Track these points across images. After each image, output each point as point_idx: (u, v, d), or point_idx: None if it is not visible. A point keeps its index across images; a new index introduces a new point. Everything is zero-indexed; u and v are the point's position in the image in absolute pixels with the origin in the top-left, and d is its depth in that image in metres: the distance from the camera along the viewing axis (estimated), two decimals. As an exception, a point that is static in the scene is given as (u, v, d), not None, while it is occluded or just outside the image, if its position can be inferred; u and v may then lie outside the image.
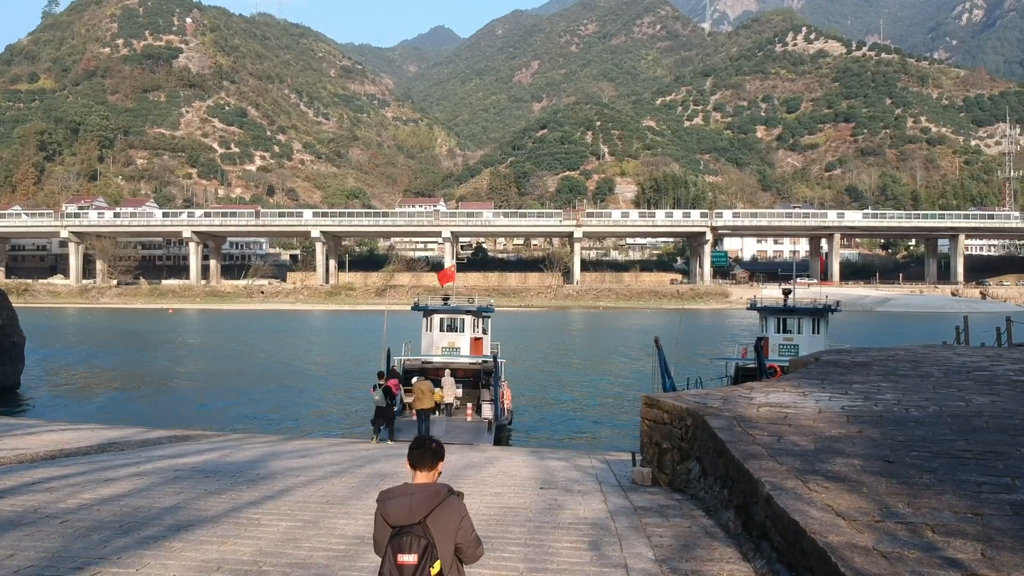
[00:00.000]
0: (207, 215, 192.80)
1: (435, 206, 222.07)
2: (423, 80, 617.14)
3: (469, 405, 27.18)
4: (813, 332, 32.50)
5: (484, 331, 34.14)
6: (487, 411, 26.63)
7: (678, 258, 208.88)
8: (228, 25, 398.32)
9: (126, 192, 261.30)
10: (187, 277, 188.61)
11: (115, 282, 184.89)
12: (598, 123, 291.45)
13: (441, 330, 33.53)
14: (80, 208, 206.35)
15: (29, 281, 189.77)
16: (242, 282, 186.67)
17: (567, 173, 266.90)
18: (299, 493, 11.32)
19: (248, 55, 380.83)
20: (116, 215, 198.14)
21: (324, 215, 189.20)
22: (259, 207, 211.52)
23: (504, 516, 10.06)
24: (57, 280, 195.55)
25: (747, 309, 35.31)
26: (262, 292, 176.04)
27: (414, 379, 30.73)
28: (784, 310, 32.91)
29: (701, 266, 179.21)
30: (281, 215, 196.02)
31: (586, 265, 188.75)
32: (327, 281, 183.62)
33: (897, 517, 7.12)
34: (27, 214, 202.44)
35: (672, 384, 25.34)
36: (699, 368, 40.93)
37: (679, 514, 10.23)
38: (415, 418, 25.59)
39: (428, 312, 33.83)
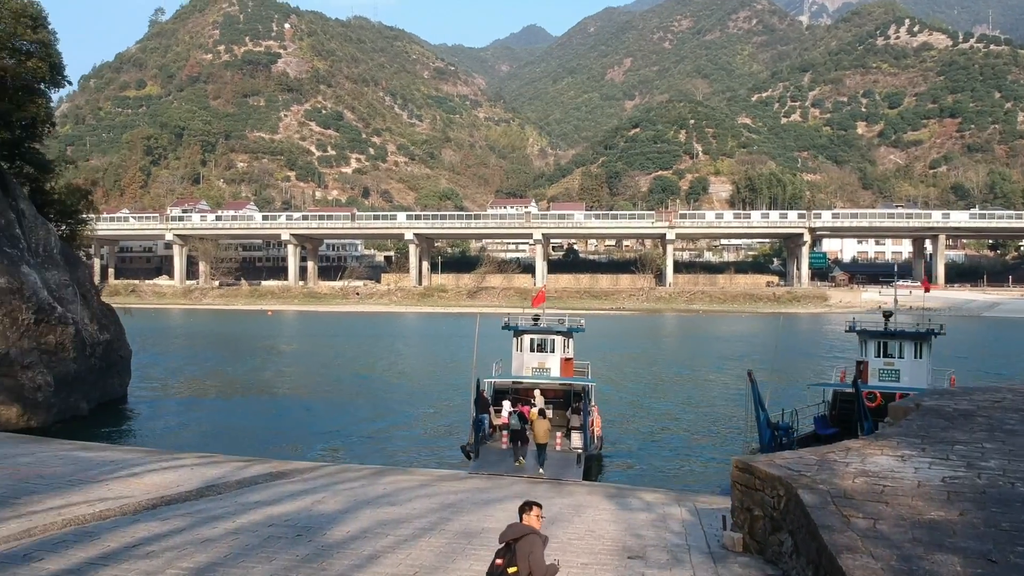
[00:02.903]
0: (304, 218, 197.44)
1: (526, 207, 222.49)
2: (515, 79, 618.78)
3: (559, 434, 27.07)
4: (916, 357, 31.17)
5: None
6: (576, 441, 26.49)
7: (774, 259, 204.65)
8: (325, 30, 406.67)
9: (227, 195, 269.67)
10: (286, 278, 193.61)
11: (217, 283, 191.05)
12: (691, 121, 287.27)
13: (531, 350, 33.49)
14: (184, 211, 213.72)
15: (136, 282, 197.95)
16: (338, 283, 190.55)
17: (660, 173, 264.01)
18: (388, 561, 11.43)
19: (344, 59, 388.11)
20: (218, 218, 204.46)
21: (417, 218, 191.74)
22: (355, 209, 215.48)
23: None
24: (162, 281, 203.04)
25: (846, 332, 34.10)
26: (357, 294, 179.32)
27: (505, 402, 30.96)
28: (885, 334, 31.59)
29: (798, 268, 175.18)
30: (375, 218, 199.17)
31: (679, 267, 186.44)
32: (420, 283, 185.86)
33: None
34: (134, 217, 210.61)
35: (766, 417, 24.73)
36: (795, 390, 39.99)
37: (769, 598, 9.98)
38: (506, 445, 25.96)
39: (518, 332, 33.81)
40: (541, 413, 26.73)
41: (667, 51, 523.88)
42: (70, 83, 44.18)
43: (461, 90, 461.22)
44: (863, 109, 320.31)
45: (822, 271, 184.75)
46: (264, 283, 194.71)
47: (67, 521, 13.20)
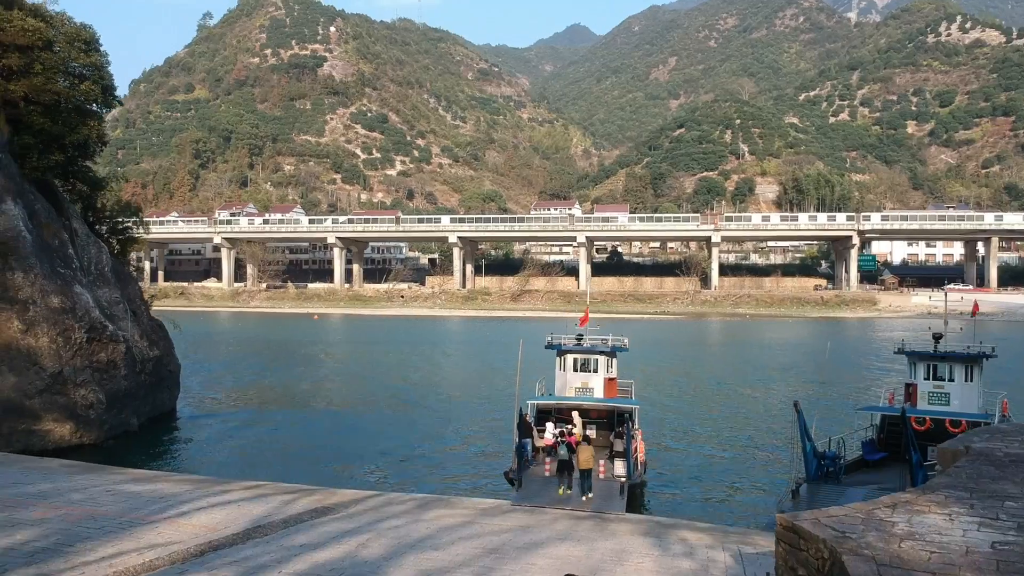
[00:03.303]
0: (350, 221, 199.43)
1: (570, 209, 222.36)
2: (559, 79, 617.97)
3: (602, 462, 26.95)
4: (966, 380, 30.63)
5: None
6: (620, 468, 26.33)
7: (822, 262, 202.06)
8: (370, 32, 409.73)
9: (274, 198, 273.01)
10: (331, 280, 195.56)
11: (264, 286, 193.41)
12: (738, 121, 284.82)
13: (575, 370, 33.56)
14: (232, 215, 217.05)
15: (185, 284, 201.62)
16: (383, 286, 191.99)
17: (705, 174, 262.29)
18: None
19: (389, 61, 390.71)
20: (265, 221, 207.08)
21: (461, 221, 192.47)
22: (399, 212, 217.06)
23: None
24: (211, 283, 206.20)
25: (895, 353, 33.63)
26: (402, 296, 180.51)
27: (548, 423, 31.01)
28: (935, 356, 31.07)
29: (847, 271, 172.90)
30: (420, 221, 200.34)
31: (724, 269, 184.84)
32: (464, 285, 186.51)
33: None
34: (183, 221, 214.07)
35: (813, 447, 24.52)
36: (844, 407, 39.45)
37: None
38: (548, 471, 25.97)
39: (562, 352, 33.88)
40: (585, 439, 26.78)
41: (712, 50, 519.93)
42: (120, 103, 45.12)
43: (505, 91, 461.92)
44: (913, 108, 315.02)
45: (871, 274, 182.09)
46: (310, 286, 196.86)
47: (118, 574, 13.51)
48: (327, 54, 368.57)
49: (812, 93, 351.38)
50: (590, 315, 39.50)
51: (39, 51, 36.76)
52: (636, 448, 27.58)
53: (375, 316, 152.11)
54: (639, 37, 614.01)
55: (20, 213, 34.58)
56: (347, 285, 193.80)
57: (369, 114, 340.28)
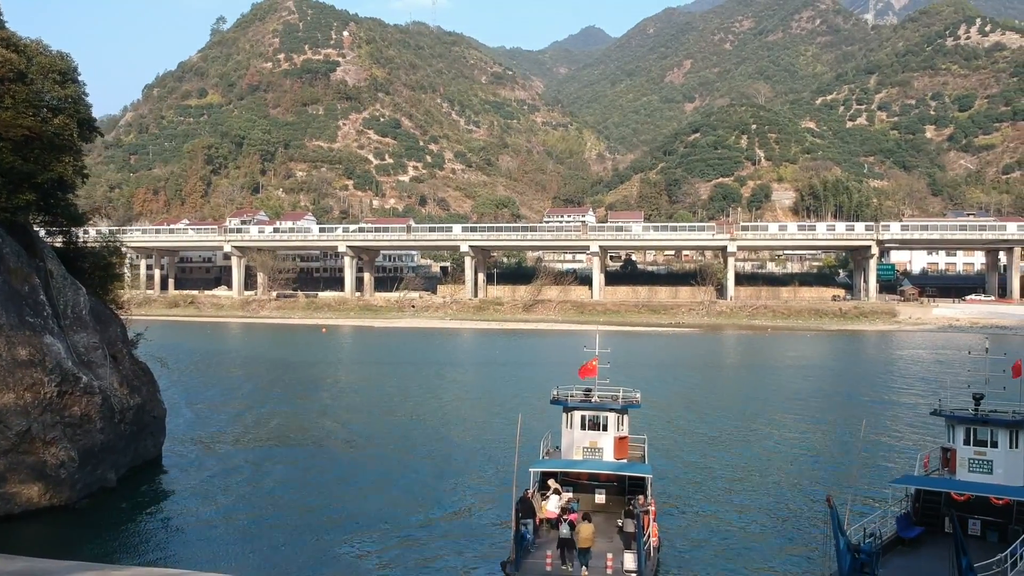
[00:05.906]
0: (361, 230, 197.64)
1: (583, 216, 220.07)
2: (573, 82, 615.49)
3: (609, 555, 24.01)
4: (1011, 447, 27.77)
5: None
6: (629, 563, 23.38)
7: (840, 271, 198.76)
8: (383, 36, 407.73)
9: (286, 204, 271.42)
10: (342, 288, 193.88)
11: (275, 295, 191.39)
12: (753, 126, 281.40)
13: (583, 428, 31.11)
14: (242, 222, 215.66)
15: (195, 293, 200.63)
16: (394, 295, 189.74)
17: (720, 180, 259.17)
18: None
19: (402, 66, 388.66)
20: (275, 230, 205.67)
21: (473, 229, 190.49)
22: (411, 221, 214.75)
23: None
24: (220, 292, 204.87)
25: (931, 414, 30.79)
26: (413, 306, 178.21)
27: (550, 492, 28.44)
28: (976, 420, 28.20)
29: (866, 281, 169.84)
30: (431, 230, 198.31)
31: (740, 278, 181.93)
32: (475, 295, 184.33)
33: None
34: (193, 229, 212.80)
35: (847, 542, 21.78)
36: (877, 478, 36.61)
37: None
38: (550, 566, 23.35)
39: (568, 408, 31.35)
40: (586, 517, 24.42)
41: (728, 52, 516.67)
42: (101, 135, 42.77)
43: (519, 95, 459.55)
44: (932, 112, 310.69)
45: (890, 283, 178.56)
46: (321, 295, 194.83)
47: None
48: (340, 59, 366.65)
49: (829, 97, 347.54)
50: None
51: (10, 83, 34.32)
52: (648, 532, 24.72)
53: (385, 328, 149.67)
54: (654, 39, 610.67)
55: (-15, 259, 32.19)
56: (358, 294, 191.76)
57: (382, 119, 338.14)
